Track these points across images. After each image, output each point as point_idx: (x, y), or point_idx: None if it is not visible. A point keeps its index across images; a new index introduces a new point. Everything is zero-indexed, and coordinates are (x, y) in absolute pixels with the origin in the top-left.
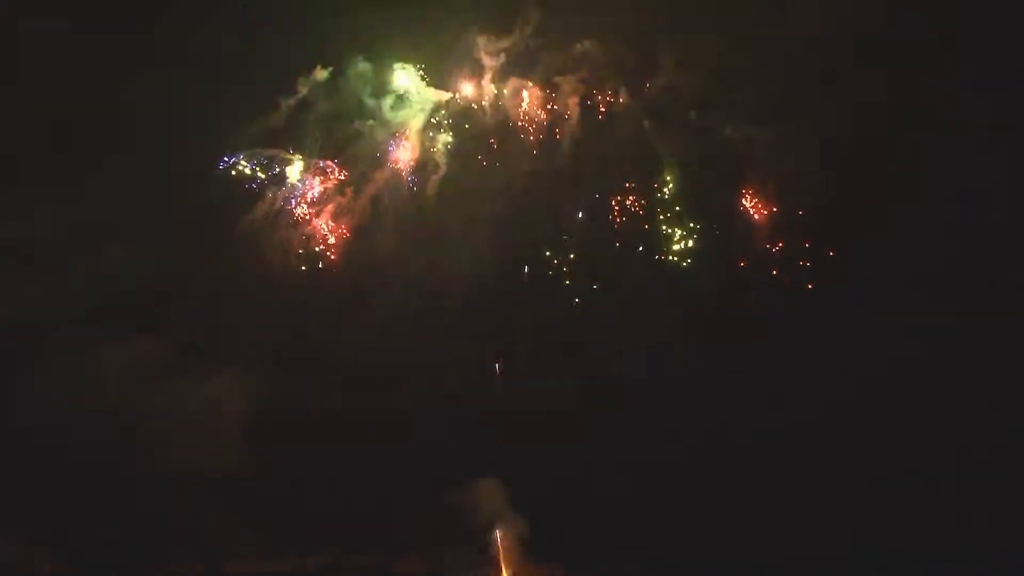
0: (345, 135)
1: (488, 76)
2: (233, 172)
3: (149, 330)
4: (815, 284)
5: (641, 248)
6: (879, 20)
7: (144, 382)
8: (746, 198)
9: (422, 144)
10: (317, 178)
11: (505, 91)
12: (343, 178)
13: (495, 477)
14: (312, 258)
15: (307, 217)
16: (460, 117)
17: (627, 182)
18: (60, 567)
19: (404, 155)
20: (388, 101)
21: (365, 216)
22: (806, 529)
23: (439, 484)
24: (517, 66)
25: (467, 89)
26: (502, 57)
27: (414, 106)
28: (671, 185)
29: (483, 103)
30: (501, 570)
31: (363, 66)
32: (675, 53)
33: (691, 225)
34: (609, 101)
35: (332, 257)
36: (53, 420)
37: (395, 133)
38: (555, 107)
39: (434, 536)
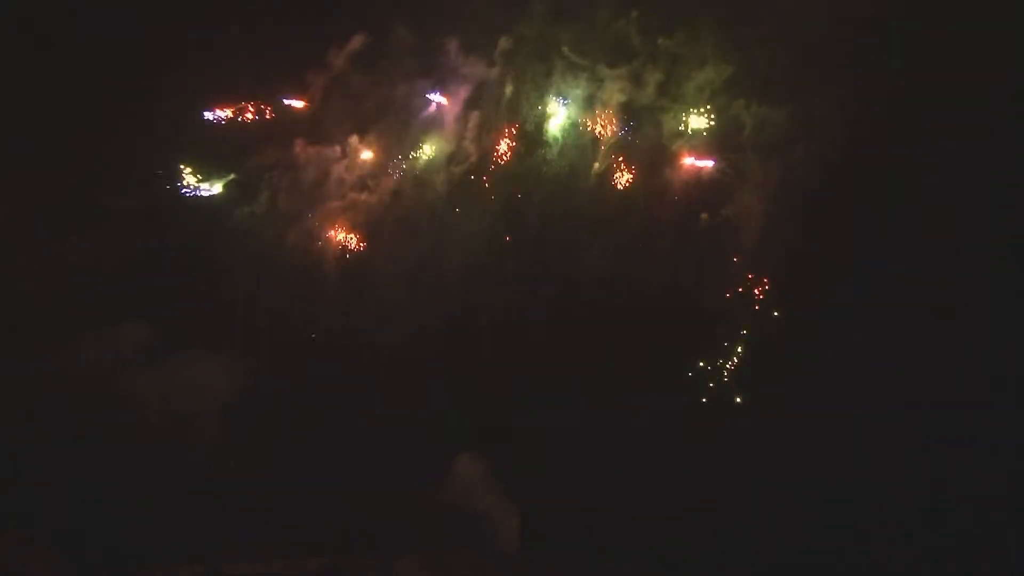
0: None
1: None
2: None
3: (145, 320)
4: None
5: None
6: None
7: (140, 371)
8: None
9: (457, 130)
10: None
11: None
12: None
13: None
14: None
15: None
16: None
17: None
18: (59, 567)
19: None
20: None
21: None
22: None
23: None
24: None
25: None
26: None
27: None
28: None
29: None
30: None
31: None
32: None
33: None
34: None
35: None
36: (48, 413)
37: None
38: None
39: (434, 536)
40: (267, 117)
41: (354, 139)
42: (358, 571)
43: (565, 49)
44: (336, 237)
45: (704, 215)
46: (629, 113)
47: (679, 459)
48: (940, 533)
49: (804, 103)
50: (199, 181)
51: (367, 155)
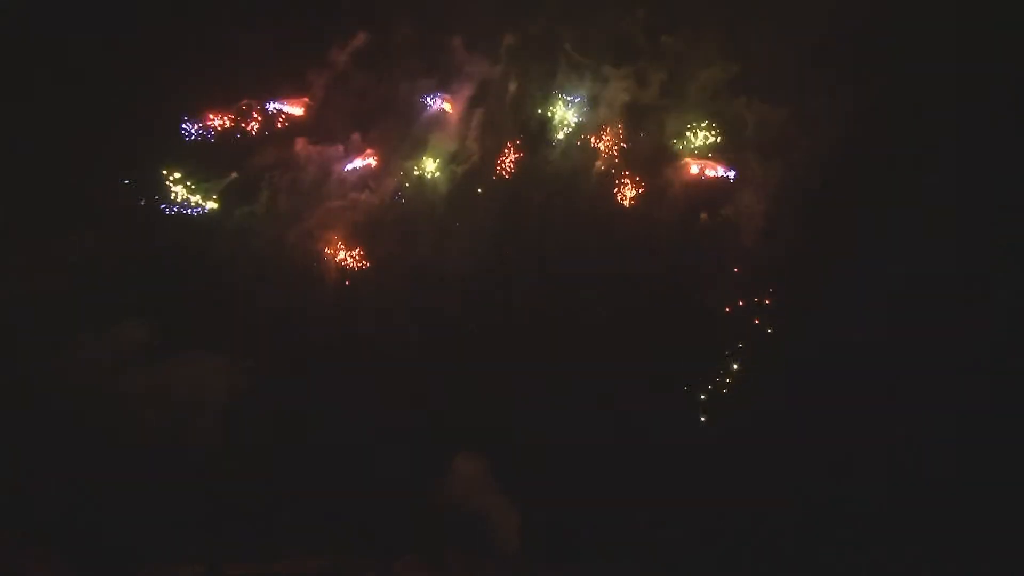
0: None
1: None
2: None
3: (146, 319)
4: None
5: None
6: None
7: (140, 371)
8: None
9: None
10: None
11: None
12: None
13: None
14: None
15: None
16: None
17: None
18: (59, 567)
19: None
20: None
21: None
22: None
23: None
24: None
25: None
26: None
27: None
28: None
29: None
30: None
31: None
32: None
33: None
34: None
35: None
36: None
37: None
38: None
39: (434, 536)
40: (267, 118)
41: (355, 139)
42: (358, 571)
43: (567, 48)
44: (337, 237)
45: (704, 215)
46: (631, 113)
47: (679, 459)
48: (940, 534)
49: (805, 103)
50: (194, 188)
51: (369, 154)
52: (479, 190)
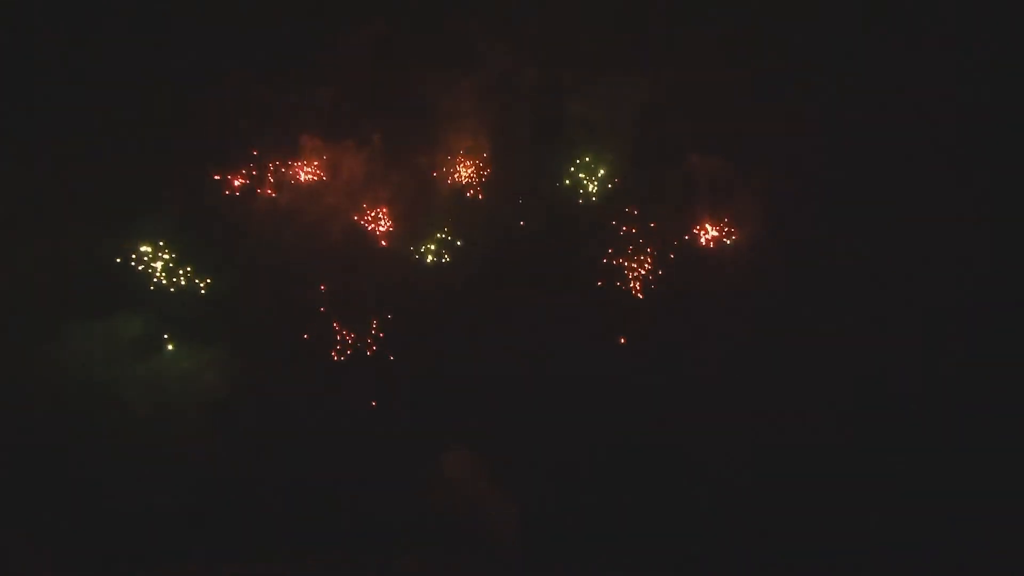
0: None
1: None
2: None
3: (146, 318)
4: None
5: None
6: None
7: (141, 370)
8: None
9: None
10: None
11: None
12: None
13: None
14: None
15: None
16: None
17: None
18: (59, 567)
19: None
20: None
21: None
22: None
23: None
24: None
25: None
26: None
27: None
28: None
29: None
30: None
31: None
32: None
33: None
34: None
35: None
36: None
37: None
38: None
39: (434, 536)
40: (272, 111)
41: (363, 131)
42: (358, 571)
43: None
44: (339, 233)
45: (705, 215)
46: (641, 111)
47: (680, 459)
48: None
49: (804, 103)
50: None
51: (377, 148)
52: (489, 187)
